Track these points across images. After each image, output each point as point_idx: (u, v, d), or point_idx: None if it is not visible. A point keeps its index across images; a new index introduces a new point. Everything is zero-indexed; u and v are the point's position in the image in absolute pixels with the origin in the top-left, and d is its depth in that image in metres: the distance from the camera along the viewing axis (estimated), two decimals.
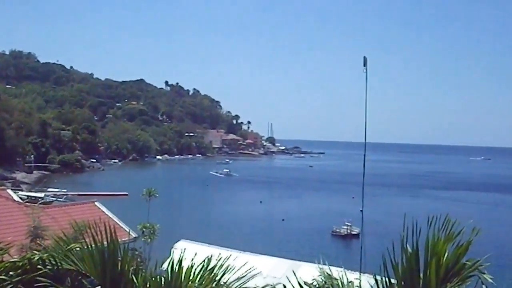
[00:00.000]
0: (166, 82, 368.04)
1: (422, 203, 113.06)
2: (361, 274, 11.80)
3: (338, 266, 9.30)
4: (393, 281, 6.99)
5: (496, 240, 76.37)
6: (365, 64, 18.92)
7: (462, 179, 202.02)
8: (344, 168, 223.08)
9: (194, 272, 6.74)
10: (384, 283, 7.02)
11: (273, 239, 78.43)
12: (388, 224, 76.85)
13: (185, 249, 10.94)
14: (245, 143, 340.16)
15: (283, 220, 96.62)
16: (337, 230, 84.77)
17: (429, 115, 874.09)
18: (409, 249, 6.80)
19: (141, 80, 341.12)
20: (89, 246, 7.39)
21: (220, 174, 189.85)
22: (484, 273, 6.81)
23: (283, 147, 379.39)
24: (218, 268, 6.79)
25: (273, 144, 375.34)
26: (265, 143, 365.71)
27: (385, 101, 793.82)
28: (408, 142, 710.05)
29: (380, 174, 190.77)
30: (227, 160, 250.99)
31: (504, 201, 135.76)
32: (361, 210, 24.20)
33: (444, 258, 6.70)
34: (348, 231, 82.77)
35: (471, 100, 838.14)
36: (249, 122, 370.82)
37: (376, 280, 7.07)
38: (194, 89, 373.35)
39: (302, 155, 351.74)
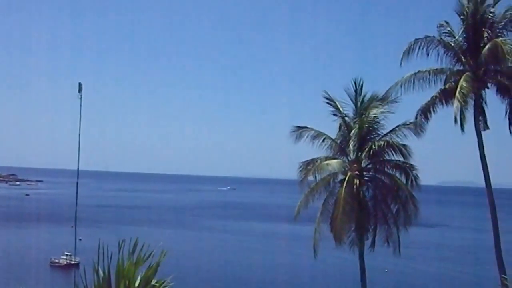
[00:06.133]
0: None
1: (139, 230, 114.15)
2: None
3: None
4: None
5: (196, 260, 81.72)
6: (80, 90, 18.79)
7: (199, 207, 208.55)
8: (63, 196, 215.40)
9: None
10: None
11: None
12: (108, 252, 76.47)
13: None
14: None
15: None
16: (56, 261, 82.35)
17: (178, 145, 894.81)
18: (101, 273, 6.94)
19: None
20: None
21: None
22: None
23: None
24: None
25: None
26: None
27: (124, 130, 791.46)
28: (156, 172, 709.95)
29: (103, 202, 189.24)
30: None
31: (218, 225, 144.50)
32: (80, 239, 23.71)
33: (136, 280, 6.97)
34: (68, 261, 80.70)
35: (218, 131, 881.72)
36: None
37: None
38: None
39: (18, 183, 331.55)
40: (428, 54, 31.51)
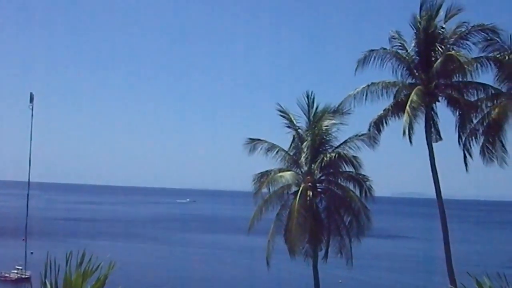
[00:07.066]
0: None
1: (92, 243, 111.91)
2: None
3: None
4: None
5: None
6: (31, 100, 18.49)
7: (155, 220, 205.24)
8: (13, 209, 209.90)
9: None
10: None
11: None
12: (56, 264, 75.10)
13: None
14: None
15: None
16: (6, 275, 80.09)
17: (135, 156, 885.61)
18: (49, 286, 6.86)
19: None
20: None
21: None
22: None
23: None
24: None
25: None
26: None
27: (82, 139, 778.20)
28: (112, 184, 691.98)
29: (56, 215, 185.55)
30: None
31: (172, 238, 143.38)
32: (31, 252, 23.25)
33: None
34: (19, 275, 78.66)
35: (176, 142, 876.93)
36: None
37: None
38: None
39: None
40: (382, 66, 31.97)
